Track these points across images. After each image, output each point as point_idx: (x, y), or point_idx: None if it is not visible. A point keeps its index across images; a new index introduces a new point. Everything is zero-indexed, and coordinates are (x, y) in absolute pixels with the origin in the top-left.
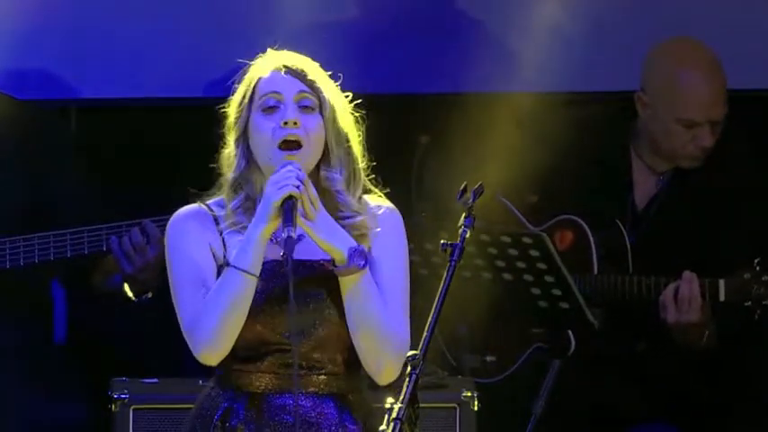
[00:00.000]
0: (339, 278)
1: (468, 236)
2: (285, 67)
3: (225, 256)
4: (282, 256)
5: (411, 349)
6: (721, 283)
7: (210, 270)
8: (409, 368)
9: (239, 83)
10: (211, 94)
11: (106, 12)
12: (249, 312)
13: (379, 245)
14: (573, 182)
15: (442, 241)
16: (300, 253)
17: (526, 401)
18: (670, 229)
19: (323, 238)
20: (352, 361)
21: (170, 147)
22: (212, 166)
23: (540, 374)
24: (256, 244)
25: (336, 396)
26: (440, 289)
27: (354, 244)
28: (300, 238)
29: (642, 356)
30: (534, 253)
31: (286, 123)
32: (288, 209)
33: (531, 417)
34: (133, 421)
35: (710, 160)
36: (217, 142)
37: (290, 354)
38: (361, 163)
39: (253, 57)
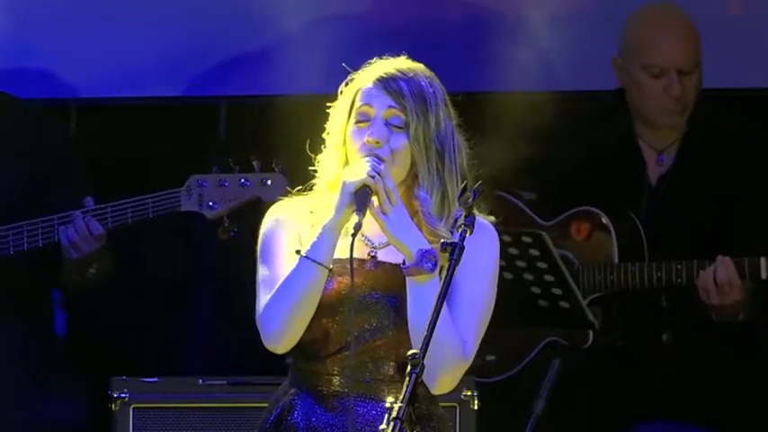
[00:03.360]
0: (406, 279)
1: (467, 235)
2: (381, 80)
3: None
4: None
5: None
6: (762, 261)
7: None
8: (409, 367)
9: (345, 86)
10: (211, 93)
11: (106, 12)
12: (318, 307)
13: (466, 259)
14: (584, 172)
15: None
16: (385, 255)
17: (526, 401)
18: (682, 207)
19: (394, 234)
20: None
21: (170, 146)
22: (212, 164)
23: (541, 374)
24: (329, 234)
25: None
26: (440, 288)
27: (427, 246)
28: (388, 243)
29: (651, 350)
30: (534, 252)
31: (368, 141)
32: (361, 196)
33: (531, 416)
34: (133, 420)
35: (715, 138)
36: (217, 141)
37: (351, 355)
38: (464, 178)
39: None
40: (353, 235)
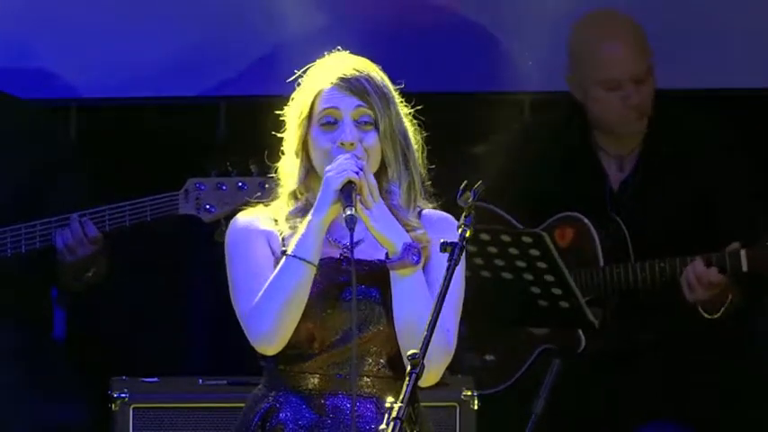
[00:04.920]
0: (390, 272)
1: (467, 234)
2: (343, 81)
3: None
4: (343, 249)
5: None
6: (742, 253)
7: (269, 266)
8: (409, 367)
9: (297, 86)
10: (211, 93)
11: (106, 12)
12: None
13: (437, 252)
14: (551, 179)
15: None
16: (359, 253)
17: (526, 401)
18: (648, 210)
19: (378, 229)
20: (399, 364)
21: (170, 146)
22: (212, 166)
23: (541, 375)
24: (316, 232)
25: (379, 399)
26: (440, 288)
27: (409, 239)
28: (361, 241)
29: (647, 350)
30: (534, 252)
31: (343, 144)
32: (348, 193)
33: (531, 416)
34: (133, 420)
35: (673, 139)
36: (216, 142)
37: (338, 353)
38: (422, 170)
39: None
40: (351, 229)
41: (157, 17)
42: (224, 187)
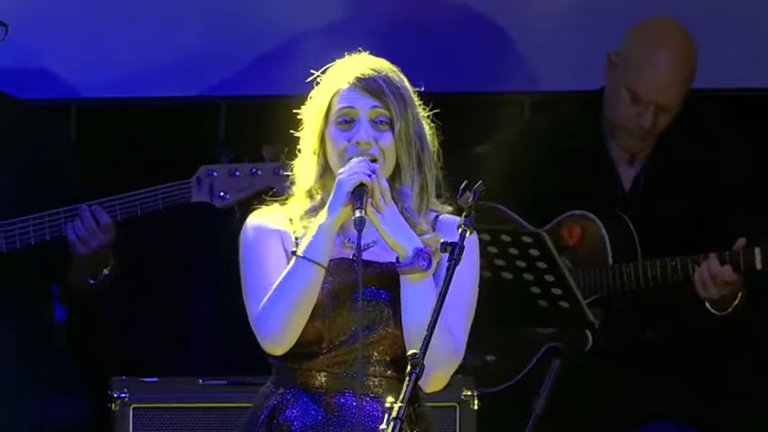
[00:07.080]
0: (400, 276)
1: (467, 235)
2: (361, 81)
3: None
4: (355, 246)
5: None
6: (756, 251)
7: (281, 267)
8: (409, 367)
9: (316, 85)
10: (212, 93)
11: (106, 12)
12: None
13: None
14: (557, 178)
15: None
16: (371, 254)
17: (526, 401)
18: (659, 207)
19: (389, 233)
20: (405, 366)
21: (169, 147)
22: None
23: (541, 375)
24: (326, 234)
25: (385, 399)
26: (440, 289)
27: (421, 245)
28: (374, 242)
29: (650, 349)
30: (534, 252)
31: (359, 143)
32: (359, 195)
33: (531, 416)
34: (133, 420)
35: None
36: (217, 142)
37: (345, 352)
38: (436, 171)
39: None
40: (359, 231)
41: (157, 17)
42: (237, 173)
